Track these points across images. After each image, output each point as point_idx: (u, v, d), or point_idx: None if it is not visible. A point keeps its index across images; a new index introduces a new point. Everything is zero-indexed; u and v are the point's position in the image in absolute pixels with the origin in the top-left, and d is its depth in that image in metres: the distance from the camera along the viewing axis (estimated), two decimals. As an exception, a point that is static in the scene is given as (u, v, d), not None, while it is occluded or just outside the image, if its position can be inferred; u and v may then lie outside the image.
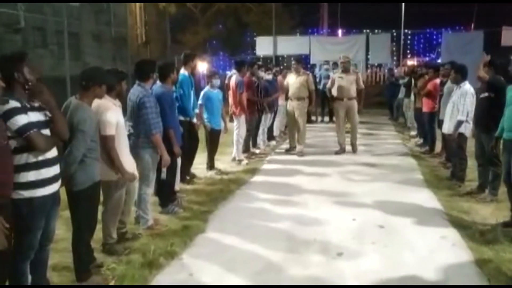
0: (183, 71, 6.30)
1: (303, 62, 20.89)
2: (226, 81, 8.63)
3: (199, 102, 6.88)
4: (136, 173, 4.24)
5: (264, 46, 18.70)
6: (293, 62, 9.31)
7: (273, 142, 9.99)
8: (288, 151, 8.95)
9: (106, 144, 3.75)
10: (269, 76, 9.79)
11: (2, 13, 10.75)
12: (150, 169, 4.66)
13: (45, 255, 3.25)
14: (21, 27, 11.54)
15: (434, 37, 23.22)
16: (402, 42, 18.45)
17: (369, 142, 9.90)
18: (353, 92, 8.60)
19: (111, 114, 3.80)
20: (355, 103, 8.63)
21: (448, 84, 7.01)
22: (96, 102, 3.70)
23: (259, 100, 8.44)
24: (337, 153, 8.68)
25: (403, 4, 17.48)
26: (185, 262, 4.01)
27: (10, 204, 2.73)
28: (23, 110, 2.81)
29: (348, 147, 8.82)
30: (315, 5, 24.96)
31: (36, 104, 2.97)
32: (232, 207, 5.58)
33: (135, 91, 4.57)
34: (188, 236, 4.53)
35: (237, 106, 7.78)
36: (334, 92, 8.71)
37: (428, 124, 8.55)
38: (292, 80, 8.70)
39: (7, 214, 2.63)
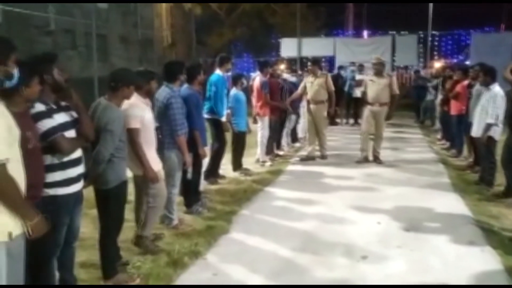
0: (218, 72, 6.55)
1: (328, 63, 20.83)
2: (251, 83, 8.66)
3: (229, 105, 6.92)
4: (162, 173, 4.29)
5: (288, 47, 18.65)
6: (309, 64, 8.99)
7: (297, 144, 9.96)
8: (303, 160, 8.29)
9: (131, 137, 3.83)
10: (293, 78, 9.79)
11: (34, 16, 11.06)
12: (176, 169, 4.71)
13: (71, 252, 3.32)
14: (51, 29, 11.85)
15: (463, 38, 22.74)
16: (429, 43, 18.13)
17: (395, 145, 9.76)
18: (385, 97, 7.86)
19: (136, 109, 3.89)
20: (385, 110, 7.92)
21: (477, 86, 6.87)
22: (128, 100, 3.81)
23: (278, 104, 8.27)
24: (358, 162, 8.01)
25: (430, 4, 17.18)
26: (209, 262, 4.04)
27: (41, 204, 2.80)
28: (48, 113, 2.88)
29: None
30: (341, 6, 24.81)
31: (63, 104, 3.04)
32: (256, 208, 5.59)
33: (162, 92, 4.63)
34: (212, 236, 4.56)
35: (261, 107, 7.80)
36: (366, 96, 8.07)
37: (456, 127, 8.37)
38: (310, 83, 8.26)
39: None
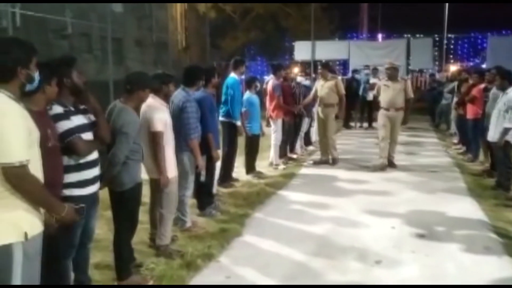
0: (232, 75, 6.60)
1: (342, 67, 20.70)
2: (264, 86, 8.67)
3: (243, 108, 6.89)
4: (177, 178, 4.31)
5: (302, 50, 18.63)
6: (319, 67, 8.96)
7: (311, 147, 9.92)
8: (317, 163, 8.28)
9: (154, 140, 3.89)
10: (307, 82, 9.76)
11: (51, 20, 11.22)
12: (189, 171, 4.73)
13: (86, 253, 3.36)
14: (68, 33, 12.00)
15: (479, 41, 22.46)
16: (445, 46, 17.95)
17: (410, 149, 9.67)
18: (400, 102, 7.71)
19: (159, 111, 3.96)
20: (401, 115, 7.78)
21: (494, 90, 6.79)
22: (147, 103, 3.91)
23: (290, 108, 8.18)
24: (374, 169, 7.68)
25: (446, 6, 17.00)
26: (222, 265, 4.05)
27: None
28: (66, 115, 2.93)
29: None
30: (355, 9, 24.72)
31: (81, 107, 3.09)
32: (269, 211, 5.59)
33: (178, 95, 4.66)
34: (225, 239, 4.57)
35: (274, 110, 7.80)
36: (381, 101, 7.88)
37: (472, 131, 8.27)
38: (320, 86, 8.24)
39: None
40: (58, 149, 2.79)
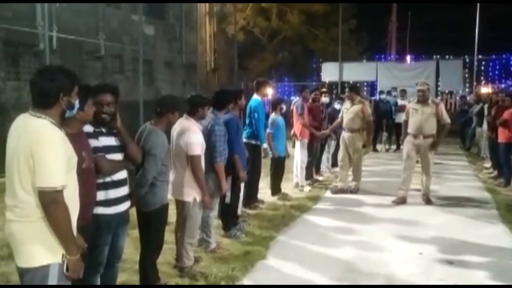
0: (255, 97, 6.58)
1: (369, 88, 20.52)
2: (291, 107, 8.70)
3: (268, 130, 6.88)
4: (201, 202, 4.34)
5: (329, 72, 18.67)
6: (346, 90, 8.64)
7: (337, 169, 9.81)
8: (335, 192, 7.70)
9: (192, 164, 3.96)
10: (327, 99, 9.67)
11: (85, 42, 11.64)
12: (213, 193, 4.76)
13: (114, 272, 3.40)
14: (101, 55, 12.38)
15: (511, 63, 22.01)
16: (475, 68, 17.66)
17: (439, 172, 9.45)
18: (430, 128, 6.78)
19: (197, 136, 4.04)
20: (430, 143, 6.86)
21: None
22: (182, 124, 4.03)
23: (315, 132, 8.07)
24: (394, 201, 6.98)
25: (476, 29, 16.79)
26: (246, 288, 4.04)
27: (91, 225, 2.91)
28: (94, 135, 3.03)
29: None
30: (383, 31, 24.71)
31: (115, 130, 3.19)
32: (293, 234, 5.55)
33: (207, 118, 4.73)
34: (249, 261, 4.55)
35: (298, 129, 7.78)
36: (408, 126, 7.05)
37: (504, 155, 8.07)
38: (346, 109, 7.74)
39: (86, 235, 2.76)
40: (93, 170, 2.87)
